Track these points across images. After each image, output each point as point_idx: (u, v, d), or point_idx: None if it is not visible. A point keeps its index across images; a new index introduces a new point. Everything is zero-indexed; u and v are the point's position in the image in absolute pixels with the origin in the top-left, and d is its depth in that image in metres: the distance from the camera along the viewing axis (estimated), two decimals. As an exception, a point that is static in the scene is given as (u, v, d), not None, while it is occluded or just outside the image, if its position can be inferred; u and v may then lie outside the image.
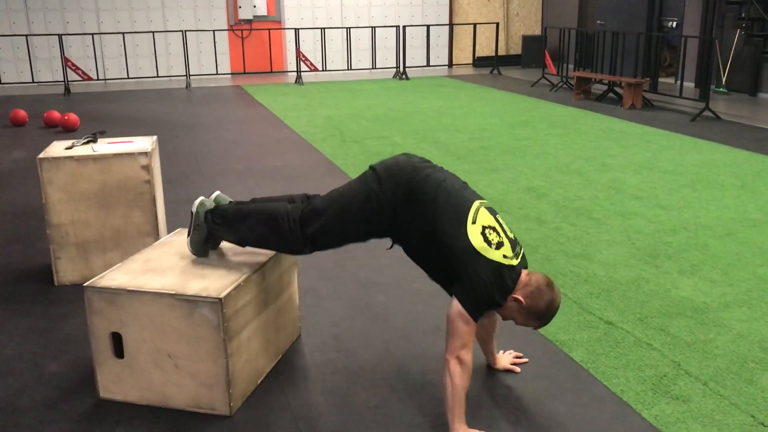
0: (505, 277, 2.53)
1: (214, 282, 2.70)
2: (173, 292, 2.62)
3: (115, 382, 2.77)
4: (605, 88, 11.17)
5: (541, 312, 2.58)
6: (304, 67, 13.73)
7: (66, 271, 3.93)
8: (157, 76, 13.26)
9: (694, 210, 5.21)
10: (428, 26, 14.55)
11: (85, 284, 2.73)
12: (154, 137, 4.30)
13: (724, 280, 3.91)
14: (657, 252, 4.35)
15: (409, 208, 2.61)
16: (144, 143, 4.06)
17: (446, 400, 2.50)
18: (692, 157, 6.97)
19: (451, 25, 15.48)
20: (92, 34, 12.98)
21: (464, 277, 2.51)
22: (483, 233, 2.53)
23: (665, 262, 4.19)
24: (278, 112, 9.96)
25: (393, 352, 3.16)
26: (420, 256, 2.70)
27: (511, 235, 2.63)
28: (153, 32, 13.19)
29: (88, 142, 4.08)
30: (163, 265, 2.88)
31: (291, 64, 14.43)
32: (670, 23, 12.75)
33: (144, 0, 13.80)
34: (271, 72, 14.45)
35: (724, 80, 11.31)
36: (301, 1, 14.65)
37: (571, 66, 12.69)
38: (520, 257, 2.61)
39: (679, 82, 11.89)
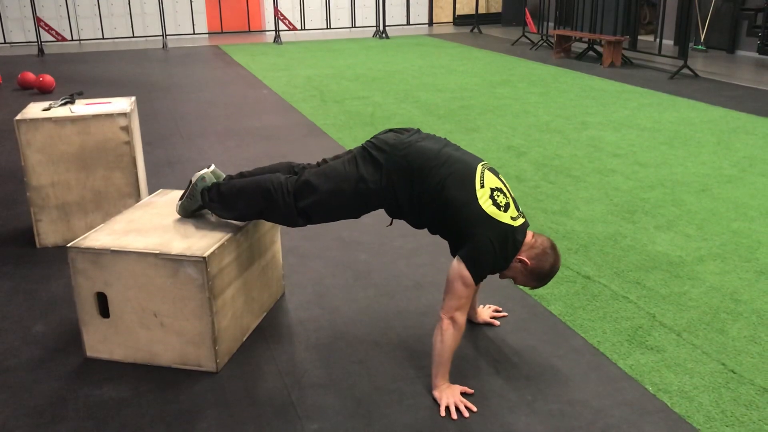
0: (513, 240, 2.56)
1: (198, 241, 2.72)
2: (157, 252, 2.64)
3: (102, 341, 2.81)
4: (585, 46, 11.17)
5: (543, 273, 2.63)
6: (282, 26, 13.56)
7: (47, 234, 3.93)
8: (133, 36, 13.04)
9: (671, 167, 5.28)
10: (408, -16, 14.40)
11: (68, 245, 2.74)
12: (133, 98, 4.27)
13: (698, 235, 4.00)
14: (634, 208, 4.42)
15: (410, 185, 2.59)
16: (123, 104, 4.03)
17: (434, 356, 2.56)
18: (670, 115, 7.03)
19: (430, -18, 15.32)
20: (65, -7, 12.71)
21: (473, 240, 2.51)
22: (492, 196, 2.55)
23: (642, 217, 4.27)
24: (257, 73, 9.86)
25: (375, 309, 3.22)
26: (428, 225, 2.69)
27: (512, 194, 2.67)
28: (127, -10, 12.93)
29: (65, 104, 4.04)
30: (146, 226, 2.90)
31: (269, 23, 14.24)
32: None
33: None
34: (249, 31, 14.28)
35: (702, 38, 11.35)
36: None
37: (551, 24, 12.65)
38: (523, 219, 2.64)
39: (658, 39, 11.92)
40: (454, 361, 2.64)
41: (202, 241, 2.72)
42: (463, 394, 2.55)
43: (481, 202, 2.53)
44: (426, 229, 2.73)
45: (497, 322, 3.07)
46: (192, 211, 2.95)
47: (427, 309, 3.19)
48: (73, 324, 3.05)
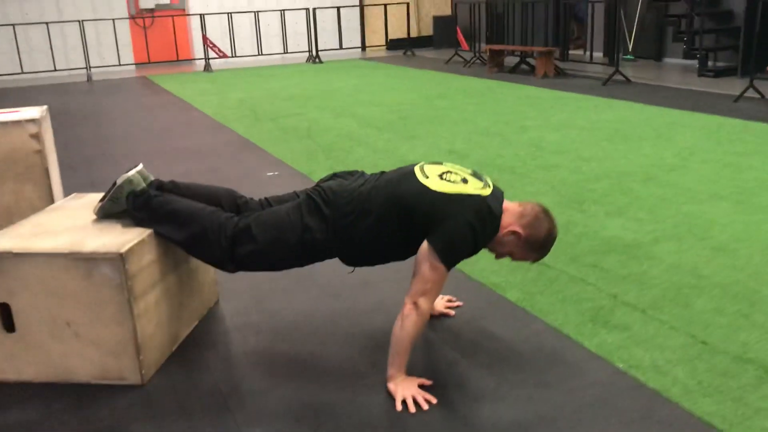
0: (488, 210, 2.32)
1: (114, 239, 2.42)
2: (68, 252, 2.33)
3: (7, 360, 2.46)
4: (518, 60, 11.25)
5: (541, 242, 2.41)
6: (212, 54, 13.27)
7: (-49, 257, 3.53)
8: (55, 70, 12.53)
9: (614, 160, 5.21)
10: (338, 8, 14.34)
11: (-37, 251, 2.40)
12: (44, 106, 3.93)
13: (651, 219, 3.88)
14: (582, 198, 4.29)
15: (362, 222, 2.38)
16: (32, 112, 3.69)
17: (391, 344, 2.31)
18: (607, 115, 7.03)
19: (361, 6, 15.30)
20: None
21: (444, 223, 2.28)
22: (442, 178, 2.36)
23: (591, 206, 4.14)
24: (187, 98, 9.54)
25: (320, 309, 2.95)
26: (396, 249, 2.45)
27: (469, 170, 2.46)
28: (47, 23, 12.45)
29: (-33, 114, 3.68)
30: (56, 228, 2.58)
31: (198, 52, 13.92)
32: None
33: (36, -9, 13.04)
34: (178, 61, 13.93)
35: (630, 47, 11.56)
36: (205, -13, 14.16)
37: (483, 43, 12.73)
38: (492, 186, 2.42)
39: (588, 52, 12.13)
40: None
41: (118, 239, 2.42)
42: (421, 386, 2.30)
43: (434, 188, 2.33)
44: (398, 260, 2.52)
45: (452, 312, 2.85)
46: (113, 214, 2.63)
47: (377, 305, 2.94)
48: (-24, 346, 2.68)
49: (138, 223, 2.54)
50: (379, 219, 2.38)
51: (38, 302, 2.37)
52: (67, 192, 4.37)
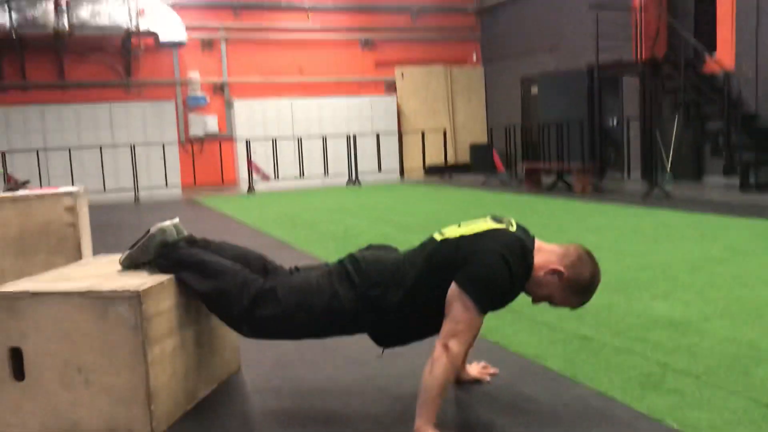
0: (519, 245, 2.19)
1: (133, 281, 2.35)
2: (84, 290, 2.26)
3: (14, 411, 2.32)
4: (554, 178, 11.31)
5: (585, 285, 2.26)
6: (256, 178, 13.67)
7: (-24, 329, 3.48)
8: (104, 191, 13.00)
9: (657, 255, 5.03)
10: (378, 135, 14.80)
11: (-20, 292, 2.34)
12: (83, 186, 4.00)
13: (700, 300, 3.66)
14: (625, 285, 4.10)
15: (392, 293, 2.30)
16: (70, 188, 3.76)
17: (420, 391, 2.13)
18: (647, 221, 6.89)
19: (399, 134, 15.76)
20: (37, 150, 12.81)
21: (469, 258, 2.17)
22: (459, 226, 2.31)
23: (635, 291, 3.94)
24: (229, 212, 9.73)
25: (345, 376, 2.78)
26: (424, 321, 2.31)
27: (486, 218, 2.36)
28: (101, 146, 13.07)
29: (10, 190, 3.76)
30: (78, 275, 2.53)
31: (243, 176, 14.35)
32: (611, 122, 13.19)
33: (93, 119, 13.80)
34: (223, 185, 14.37)
35: (668, 167, 11.56)
36: (253, 116, 14.83)
37: (519, 166, 12.92)
38: (514, 225, 2.31)
39: (626, 173, 12.16)
40: (437, 415, 2.19)
41: (137, 281, 2.35)
42: (452, 442, 2.10)
43: (454, 235, 2.27)
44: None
45: (487, 378, 2.64)
46: (139, 264, 2.55)
47: (407, 373, 2.74)
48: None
49: (161, 269, 2.47)
50: (412, 288, 2.28)
51: (50, 346, 2.27)
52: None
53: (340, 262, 2.43)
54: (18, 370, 2.32)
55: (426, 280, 2.25)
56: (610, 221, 6.94)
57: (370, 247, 2.55)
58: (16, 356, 2.32)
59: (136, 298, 2.21)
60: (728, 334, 3.06)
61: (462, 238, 2.24)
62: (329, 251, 5.82)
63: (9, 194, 3.54)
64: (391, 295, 2.28)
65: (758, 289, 3.86)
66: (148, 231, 2.55)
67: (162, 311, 2.33)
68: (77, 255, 3.57)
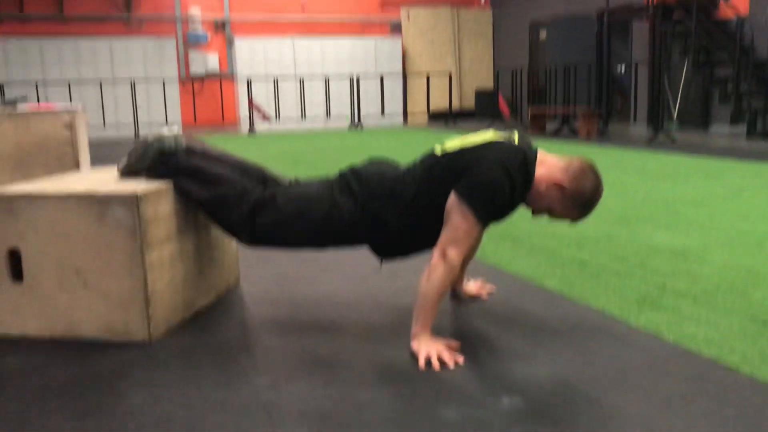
0: (520, 156, 2.16)
1: (131, 186, 2.33)
2: (81, 193, 2.24)
3: (13, 312, 2.33)
4: (560, 124, 11.21)
5: (586, 198, 2.20)
6: (257, 119, 13.56)
7: (-25, 243, 3.47)
8: (104, 127, 12.91)
9: (661, 191, 5.00)
10: (382, 77, 14.62)
11: (-23, 192, 2.33)
12: (80, 104, 3.95)
13: (701, 233, 3.65)
14: (628, 217, 4.09)
15: (392, 204, 2.27)
16: (68, 105, 3.71)
17: (417, 299, 2.12)
18: (652, 162, 6.85)
19: (404, 76, 15.57)
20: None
21: (470, 167, 2.13)
22: (461, 139, 2.25)
23: (637, 223, 3.93)
24: (228, 149, 9.67)
25: (344, 291, 2.78)
26: (424, 233, 2.26)
27: (490, 130, 2.33)
28: (101, 80, 12.93)
29: (5, 104, 3.71)
30: (75, 180, 2.50)
31: (244, 117, 14.25)
32: (618, 68, 13.01)
33: (92, 54, 13.62)
34: (223, 125, 14.27)
35: (675, 115, 11.45)
36: (254, 55, 14.63)
37: (525, 112, 12.79)
38: (516, 138, 2.26)
39: (632, 119, 12.04)
40: (436, 324, 2.19)
41: (136, 186, 2.32)
42: (448, 347, 2.10)
43: (455, 147, 2.23)
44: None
45: (485, 295, 2.64)
46: (136, 171, 2.50)
47: (404, 287, 2.75)
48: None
49: (159, 176, 2.45)
50: (413, 200, 2.24)
51: (48, 247, 2.26)
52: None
53: (341, 173, 2.40)
54: (16, 272, 2.32)
55: (426, 192, 2.23)
56: (614, 162, 6.90)
57: (371, 161, 2.52)
58: (15, 258, 2.32)
59: (133, 200, 2.19)
60: (727, 262, 3.05)
61: (463, 150, 2.21)
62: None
63: (6, 109, 3.49)
64: (392, 206, 2.26)
65: (760, 223, 3.84)
66: (146, 139, 2.51)
67: (160, 216, 2.31)
68: (75, 171, 3.54)
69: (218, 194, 2.39)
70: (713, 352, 2.04)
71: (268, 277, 3.01)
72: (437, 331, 2.19)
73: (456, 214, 2.10)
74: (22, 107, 3.65)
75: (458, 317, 2.45)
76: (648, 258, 3.14)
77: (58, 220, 2.25)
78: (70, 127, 3.52)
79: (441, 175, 2.20)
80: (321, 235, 2.35)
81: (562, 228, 3.77)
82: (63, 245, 2.26)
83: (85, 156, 3.69)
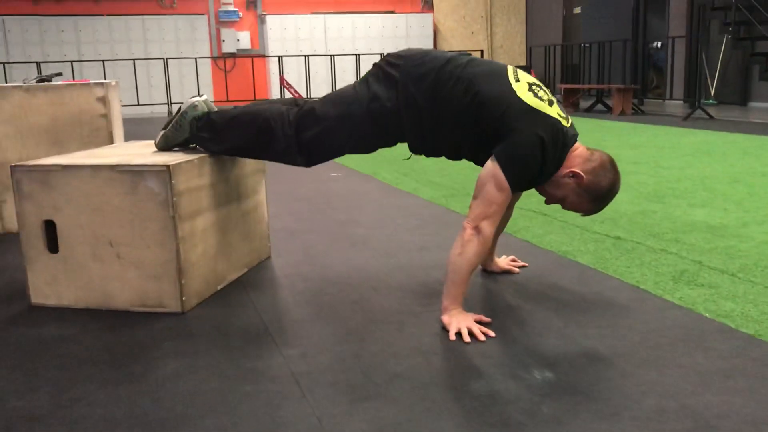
0: (563, 139, 2.12)
1: (163, 157, 2.34)
2: (114, 164, 2.25)
3: (49, 283, 2.37)
4: (593, 100, 11.03)
5: (601, 192, 2.17)
6: (287, 95, 13.57)
7: (12, 217, 3.54)
8: (138, 104, 13.04)
9: (697, 168, 4.90)
10: (413, 54, 14.50)
11: (12, 164, 2.36)
12: (116, 80, 3.98)
13: (738, 209, 3.57)
14: (663, 194, 4.01)
15: (432, 91, 2.16)
16: (102, 80, 3.74)
17: (448, 272, 2.10)
18: (688, 139, 6.71)
19: (436, 55, 15.43)
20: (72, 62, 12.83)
21: (513, 135, 2.06)
22: (531, 89, 2.13)
23: (673, 200, 3.85)
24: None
25: (374, 265, 2.77)
26: (458, 141, 2.21)
27: (555, 98, 2.26)
28: (134, 59, 13.04)
29: (41, 81, 3.75)
30: (109, 153, 2.52)
31: (275, 95, 14.28)
32: (654, 44, 12.73)
33: (126, 32, 13.73)
34: (255, 101, 14.33)
35: (712, 92, 11.19)
36: (286, 32, 14.61)
37: (557, 87, 12.59)
38: (569, 122, 2.22)
39: (667, 95, 11.80)
40: (466, 298, 2.18)
41: (168, 157, 2.33)
42: (479, 322, 2.08)
43: (519, 93, 2.10)
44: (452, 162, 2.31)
45: (517, 270, 2.62)
46: (175, 144, 2.53)
47: (434, 264, 2.74)
48: (17, 268, 2.62)
49: (202, 143, 2.45)
50: (450, 95, 2.14)
51: (82, 219, 2.29)
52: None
53: (374, 65, 2.31)
54: (52, 243, 2.36)
55: (475, 110, 2.12)
56: (649, 139, 6.77)
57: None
58: (50, 229, 2.35)
59: (165, 172, 2.21)
60: (766, 239, 2.97)
61: (520, 103, 2.08)
62: (360, 162, 5.78)
63: (41, 84, 3.52)
64: (430, 92, 2.16)
65: (801, 200, 3.74)
66: (179, 109, 2.52)
67: (192, 188, 2.32)
68: (110, 144, 3.57)
69: (261, 127, 2.35)
70: (752, 329, 1.99)
71: (297, 251, 3.01)
72: (467, 305, 2.18)
73: (491, 185, 2.06)
74: (57, 82, 3.68)
75: (489, 291, 2.43)
76: (684, 234, 3.08)
77: (92, 191, 2.27)
78: (104, 100, 3.55)
79: (490, 104, 2.10)
80: (368, 134, 2.27)
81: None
82: (97, 217, 2.28)
83: (119, 130, 3.71)
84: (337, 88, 2.37)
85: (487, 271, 2.62)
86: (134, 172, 2.23)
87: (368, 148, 2.35)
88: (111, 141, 3.56)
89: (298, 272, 2.71)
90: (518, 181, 2.08)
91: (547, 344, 1.94)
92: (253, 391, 1.70)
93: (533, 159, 2.08)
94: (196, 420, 1.57)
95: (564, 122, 2.17)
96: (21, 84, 3.47)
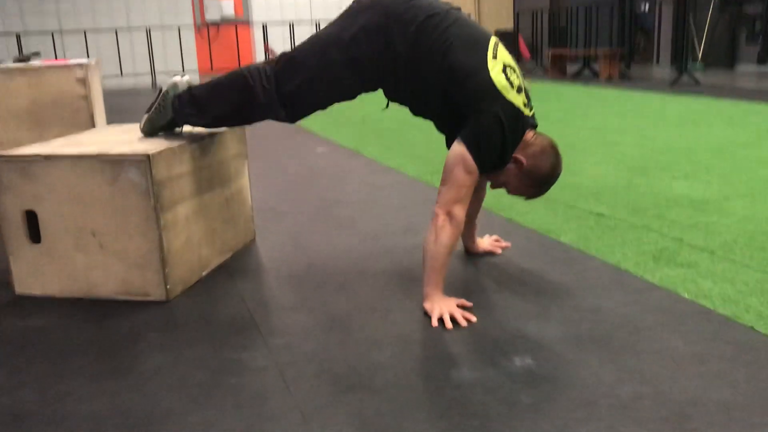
0: (522, 125, 2.13)
1: (144, 146, 2.32)
2: (94, 154, 2.24)
3: (32, 273, 2.37)
4: (581, 66, 10.98)
5: (542, 177, 2.19)
6: (274, 64, 13.45)
7: (-4, 200, 3.52)
8: (121, 75, 12.88)
9: (683, 139, 4.91)
10: (399, 20, 14.36)
11: (-8, 155, 2.34)
12: (95, 58, 3.93)
13: (721, 181, 3.59)
14: (646, 166, 4.03)
15: (414, 38, 2.13)
16: (81, 60, 3.69)
17: (425, 260, 2.12)
18: (674, 106, 6.72)
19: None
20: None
21: (478, 117, 2.07)
22: (504, 71, 2.11)
23: (656, 172, 3.87)
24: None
25: (360, 248, 2.79)
26: (425, 100, 2.22)
27: (527, 84, 2.26)
28: (116, 29, 12.84)
29: (20, 61, 3.70)
30: (90, 141, 2.51)
31: (260, 59, 14.10)
32: (642, 7, 12.65)
33: (107, 1, 13.49)
34: (241, 71, 14.19)
35: (700, 55, 11.16)
36: (270, 0, 14.41)
37: (545, 53, 12.53)
38: (532, 111, 2.23)
39: (654, 60, 11.77)
40: (448, 282, 2.20)
41: (149, 146, 2.32)
42: (461, 306, 2.11)
43: (492, 73, 2.08)
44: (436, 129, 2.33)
45: (499, 250, 2.64)
46: (160, 126, 2.50)
47: (419, 246, 2.75)
48: (2, 269, 2.62)
49: (187, 119, 2.43)
50: (428, 62, 2.13)
51: (64, 209, 2.29)
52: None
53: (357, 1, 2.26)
54: (34, 233, 2.35)
55: (433, 83, 2.14)
56: (635, 107, 6.78)
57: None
58: (32, 219, 2.34)
59: (145, 162, 2.20)
60: (748, 213, 3.01)
61: (491, 85, 2.07)
62: (347, 137, 5.76)
63: (20, 65, 3.48)
64: (409, 39, 2.13)
65: (783, 171, 3.77)
66: (161, 89, 2.49)
67: (174, 176, 2.32)
68: (91, 127, 3.54)
69: (240, 88, 2.31)
70: (729, 311, 2.03)
71: (283, 233, 3.02)
72: (449, 289, 2.20)
73: (459, 169, 2.07)
74: (36, 63, 3.64)
75: (471, 274, 2.45)
76: (666, 210, 3.10)
77: (73, 181, 2.26)
78: (84, 82, 3.51)
79: (462, 76, 2.09)
80: (348, 80, 2.23)
81: (581, 178, 3.74)
82: (78, 207, 2.28)
83: (100, 110, 3.68)
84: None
85: (470, 252, 2.64)
86: (114, 162, 2.22)
87: (350, 95, 2.31)
88: (92, 122, 3.53)
89: (283, 256, 2.72)
90: (484, 162, 2.10)
91: (528, 329, 1.96)
92: (238, 384, 1.72)
93: (496, 140, 2.09)
94: (181, 415, 1.59)
95: (526, 111, 2.17)
96: (-1, 66, 3.43)
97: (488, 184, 2.42)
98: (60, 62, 3.65)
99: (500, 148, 2.12)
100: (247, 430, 1.52)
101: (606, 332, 1.92)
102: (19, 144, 3.47)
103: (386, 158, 4.66)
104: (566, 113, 6.53)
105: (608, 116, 6.19)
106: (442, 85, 2.14)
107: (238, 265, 2.63)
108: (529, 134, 2.21)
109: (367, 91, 2.30)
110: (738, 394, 1.58)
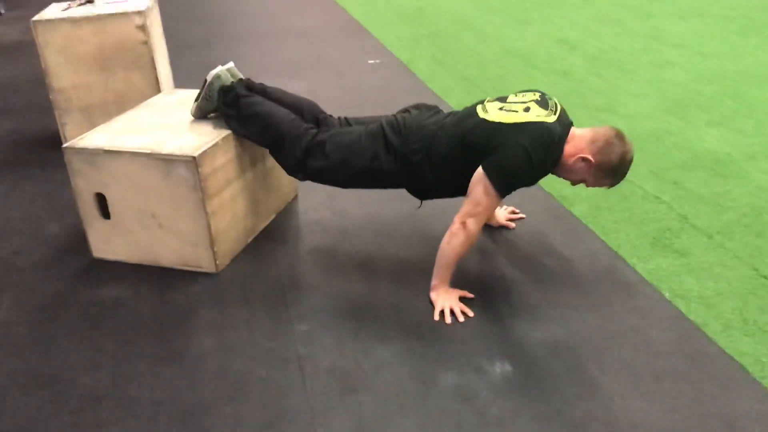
0: (548, 137, 2.31)
1: (191, 140, 2.63)
2: (149, 152, 2.57)
3: (105, 242, 2.80)
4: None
5: (613, 167, 2.37)
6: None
7: (73, 137, 3.92)
8: None
9: (739, 57, 4.81)
10: None
11: (64, 145, 2.70)
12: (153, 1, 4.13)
13: (754, 131, 3.64)
14: (687, 103, 4.06)
15: (427, 161, 2.49)
16: (139, 2, 3.91)
17: (438, 257, 2.44)
18: (749, 1, 6.39)
19: None
20: None
21: (501, 149, 2.31)
22: (502, 110, 2.39)
23: (694, 113, 3.91)
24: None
25: (386, 211, 3.09)
26: (457, 187, 2.48)
27: (535, 97, 2.44)
28: None
29: (85, 4, 3.95)
30: (144, 125, 2.83)
31: None
32: None
33: None
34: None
35: None
36: None
37: None
38: (557, 112, 2.39)
39: None
40: (459, 266, 2.50)
41: (195, 141, 2.63)
42: (463, 298, 2.43)
43: (491, 119, 2.36)
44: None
45: (512, 225, 2.90)
46: (207, 112, 2.84)
47: (439, 212, 3.02)
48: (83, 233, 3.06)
49: (227, 120, 2.76)
50: (444, 159, 2.45)
51: (127, 195, 2.66)
52: (178, 75, 4.66)
53: (382, 125, 2.60)
54: (105, 211, 2.75)
55: (457, 155, 2.42)
56: (705, 1, 6.47)
57: (416, 107, 2.68)
58: (103, 199, 2.73)
59: (192, 162, 2.51)
60: (763, 181, 3.12)
61: (499, 126, 2.33)
62: (401, 41, 5.83)
63: (84, 14, 3.74)
64: (427, 161, 2.48)
65: (824, 117, 3.76)
66: (206, 80, 2.77)
67: (218, 168, 2.64)
68: (153, 71, 3.83)
69: (276, 139, 2.68)
70: (700, 316, 2.27)
71: (320, 189, 3.31)
72: (460, 267, 2.48)
73: (479, 189, 2.32)
74: (100, 3, 3.89)
75: (483, 253, 2.73)
76: (686, 172, 3.23)
77: (132, 173, 2.61)
78: (143, 28, 3.75)
79: (472, 146, 2.38)
80: (365, 181, 2.66)
81: (615, 118, 3.82)
82: (139, 193, 2.64)
83: (161, 54, 3.95)
84: (350, 127, 2.68)
85: (488, 224, 2.90)
86: (166, 161, 2.55)
87: (363, 187, 2.75)
88: (154, 68, 3.81)
89: (318, 220, 3.05)
90: (505, 188, 2.33)
91: (516, 329, 2.28)
92: (267, 377, 2.13)
93: (520, 167, 2.30)
94: (219, 407, 2.03)
95: (547, 119, 2.33)
96: (66, 17, 3.70)
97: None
98: (119, 4, 3.89)
99: (529, 170, 2.32)
100: (267, 428, 1.94)
101: (581, 338, 2.22)
102: (89, 88, 3.82)
103: (434, 78, 4.78)
104: (629, 11, 6.33)
105: (671, 18, 5.99)
106: (467, 165, 2.38)
107: (279, 232, 2.98)
108: (584, 131, 2.39)
109: (386, 188, 2.71)
110: (678, 421, 1.88)
